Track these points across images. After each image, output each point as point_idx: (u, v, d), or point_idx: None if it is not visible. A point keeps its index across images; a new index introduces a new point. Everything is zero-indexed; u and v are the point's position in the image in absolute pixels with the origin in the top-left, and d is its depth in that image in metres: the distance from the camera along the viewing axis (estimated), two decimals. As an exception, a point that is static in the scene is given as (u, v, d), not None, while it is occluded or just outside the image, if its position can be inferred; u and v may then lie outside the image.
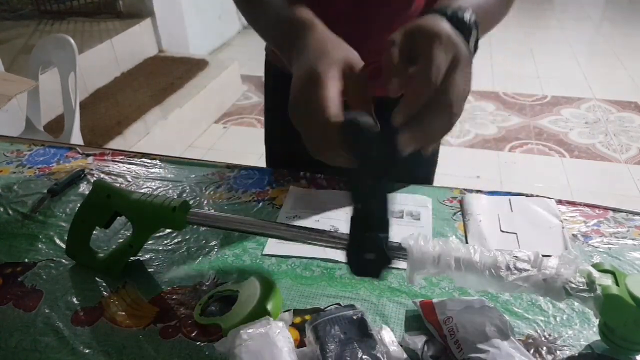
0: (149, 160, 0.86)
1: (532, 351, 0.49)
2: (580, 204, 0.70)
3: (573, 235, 0.65)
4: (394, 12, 0.70)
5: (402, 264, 0.50)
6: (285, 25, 0.53)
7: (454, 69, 0.42)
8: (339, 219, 0.69)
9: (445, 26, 0.44)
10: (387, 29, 0.72)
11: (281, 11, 0.55)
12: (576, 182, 2.29)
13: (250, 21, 0.63)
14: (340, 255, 0.61)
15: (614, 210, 0.69)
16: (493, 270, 0.46)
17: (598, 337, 0.49)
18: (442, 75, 0.41)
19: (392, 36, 0.45)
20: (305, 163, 0.80)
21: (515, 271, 0.46)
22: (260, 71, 0.91)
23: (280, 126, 0.91)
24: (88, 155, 0.88)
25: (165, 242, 0.66)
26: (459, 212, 0.70)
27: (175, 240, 0.67)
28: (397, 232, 0.66)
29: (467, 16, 0.47)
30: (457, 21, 0.46)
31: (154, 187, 0.79)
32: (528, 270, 0.46)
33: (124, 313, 0.55)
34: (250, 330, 0.46)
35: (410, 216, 0.69)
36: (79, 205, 0.64)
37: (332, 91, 0.43)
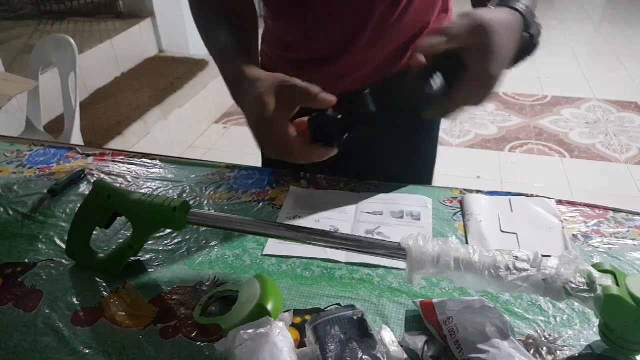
0: (149, 160, 0.86)
1: (532, 351, 0.49)
2: (580, 204, 0.70)
3: (573, 235, 0.65)
4: (388, 16, 0.71)
5: (401, 264, 0.50)
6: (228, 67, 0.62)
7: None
8: (339, 219, 0.69)
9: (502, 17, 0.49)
10: (381, 33, 0.72)
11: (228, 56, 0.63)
12: (576, 182, 2.29)
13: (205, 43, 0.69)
14: (339, 255, 0.62)
15: (614, 210, 0.69)
16: (492, 270, 0.46)
17: (598, 337, 0.49)
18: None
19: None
20: (298, 165, 0.80)
21: (515, 271, 0.46)
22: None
23: None
24: (88, 155, 0.88)
25: (165, 242, 0.66)
26: (459, 212, 0.70)
27: (175, 240, 0.67)
28: (397, 232, 0.66)
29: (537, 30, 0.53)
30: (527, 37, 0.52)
31: (154, 187, 0.79)
32: (527, 270, 0.46)
33: (123, 313, 0.55)
34: (250, 330, 0.46)
35: (410, 216, 0.69)
36: (79, 205, 0.64)
37: (280, 120, 0.52)
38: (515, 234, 0.65)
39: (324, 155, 0.54)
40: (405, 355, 0.47)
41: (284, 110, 0.53)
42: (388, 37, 0.73)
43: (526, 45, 0.53)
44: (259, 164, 0.91)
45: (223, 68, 0.63)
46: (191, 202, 0.74)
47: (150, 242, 0.66)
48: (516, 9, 0.53)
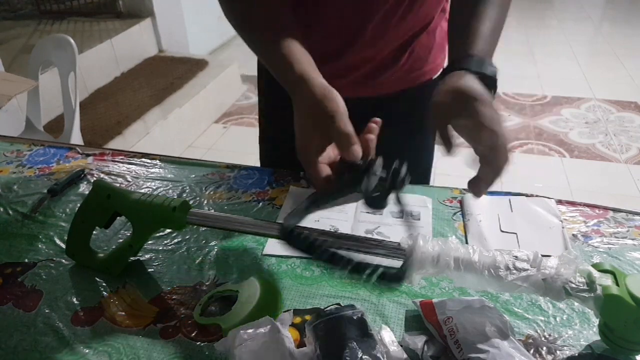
0: (148, 160, 0.86)
1: (532, 351, 0.49)
2: (580, 204, 0.70)
3: (573, 235, 0.65)
4: (389, 16, 0.70)
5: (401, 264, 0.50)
6: (287, 75, 0.57)
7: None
8: (339, 219, 0.69)
9: (479, 87, 0.52)
10: (382, 33, 0.72)
11: (284, 63, 0.57)
12: (576, 182, 2.29)
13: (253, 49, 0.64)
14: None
15: (614, 210, 0.69)
16: (492, 270, 0.46)
17: (598, 337, 0.49)
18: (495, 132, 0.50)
19: (434, 95, 0.54)
20: (298, 164, 0.80)
21: (515, 271, 0.46)
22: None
23: (274, 128, 0.91)
24: (88, 155, 0.88)
25: (165, 242, 0.66)
26: (459, 212, 0.70)
27: (175, 240, 0.67)
28: (397, 232, 0.66)
29: (494, 72, 0.56)
30: (483, 77, 0.54)
31: (154, 187, 0.79)
32: (527, 270, 0.46)
33: (123, 313, 0.55)
34: (250, 330, 0.46)
35: (410, 216, 0.69)
36: (79, 205, 0.64)
37: (312, 148, 0.51)
38: (515, 234, 0.65)
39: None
40: (405, 355, 0.47)
41: (321, 141, 0.52)
42: (388, 37, 0.73)
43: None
44: (259, 164, 0.91)
45: (282, 73, 0.59)
46: (191, 202, 0.74)
47: (150, 242, 0.66)
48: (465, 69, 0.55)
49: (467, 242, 0.64)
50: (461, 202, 0.72)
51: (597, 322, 0.49)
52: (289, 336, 0.47)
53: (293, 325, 0.52)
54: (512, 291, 0.47)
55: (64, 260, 0.63)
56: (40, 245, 0.66)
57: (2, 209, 0.74)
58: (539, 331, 0.51)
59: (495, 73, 0.57)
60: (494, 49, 0.62)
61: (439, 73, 0.85)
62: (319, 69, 0.57)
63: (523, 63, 3.64)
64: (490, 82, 0.56)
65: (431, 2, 0.73)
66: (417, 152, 0.90)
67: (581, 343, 0.50)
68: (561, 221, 0.66)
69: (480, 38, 0.60)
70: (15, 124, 2.09)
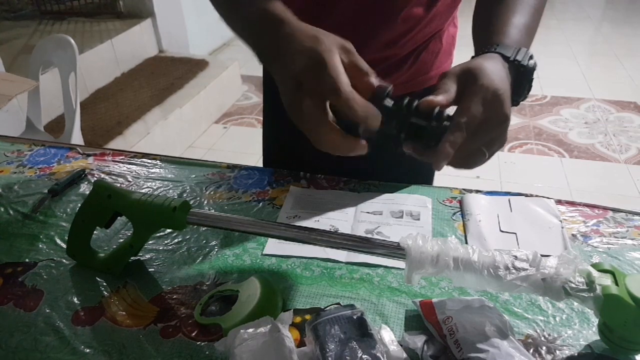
0: (149, 161, 0.86)
1: (531, 351, 0.49)
2: (579, 204, 0.70)
3: (572, 235, 0.65)
4: (397, 19, 0.70)
5: (401, 264, 0.50)
6: (264, 20, 0.50)
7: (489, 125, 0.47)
8: (339, 219, 0.69)
9: (496, 80, 0.48)
10: (391, 34, 0.72)
11: (259, 6, 0.51)
12: (576, 182, 2.29)
13: (227, 21, 0.59)
14: (340, 255, 0.62)
15: (614, 210, 0.69)
16: (491, 270, 0.46)
17: (598, 337, 0.49)
18: (474, 126, 0.47)
19: (449, 70, 0.51)
20: (301, 165, 0.80)
21: (514, 271, 0.46)
22: (260, 71, 0.91)
23: (279, 128, 0.91)
24: (88, 155, 0.88)
25: (165, 242, 0.66)
26: (459, 212, 0.70)
27: (176, 240, 0.67)
28: (397, 232, 0.66)
29: (531, 63, 0.52)
30: (517, 66, 0.51)
31: (155, 187, 0.79)
32: (527, 269, 0.46)
33: (124, 313, 0.55)
34: (250, 330, 0.46)
35: (410, 216, 0.69)
36: (79, 205, 0.64)
37: (342, 71, 0.43)
38: (515, 234, 0.65)
39: (353, 152, 0.46)
40: (405, 355, 0.47)
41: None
42: (397, 43, 0.73)
43: (520, 72, 0.53)
44: (259, 164, 0.91)
45: (251, 23, 0.52)
46: (191, 202, 0.74)
47: (150, 242, 0.66)
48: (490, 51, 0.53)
49: (466, 242, 0.64)
50: (461, 202, 0.72)
51: (597, 322, 0.49)
52: (289, 336, 0.47)
53: (293, 325, 0.52)
54: (512, 291, 0.47)
55: (64, 260, 0.64)
56: (40, 245, 0.66)
57: (2, 209, 0.74)
58: (538, 331, 0.51)
59: (532, 65, 0.53)
60: (529, 45, 0.57)
61: None
62: None
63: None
64: (524, 75, 0.53)
65: (444, 13, 0.73)
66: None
67: (581, 343, 0.50)
68: (561, 221, 0.66)
69: (514, 28, 0.56)
70: (16, 124, 2.09)
